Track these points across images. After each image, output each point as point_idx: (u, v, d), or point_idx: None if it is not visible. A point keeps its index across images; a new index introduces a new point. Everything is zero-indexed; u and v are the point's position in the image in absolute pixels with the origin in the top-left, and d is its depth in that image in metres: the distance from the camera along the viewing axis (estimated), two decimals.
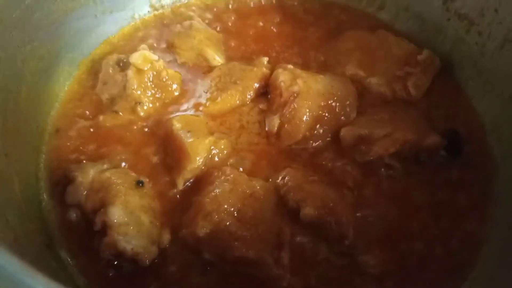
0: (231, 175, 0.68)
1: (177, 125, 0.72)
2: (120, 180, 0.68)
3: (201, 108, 0.78)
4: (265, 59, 0.81)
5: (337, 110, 0.75)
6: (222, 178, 0.67)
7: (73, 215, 0.67)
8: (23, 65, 0.70)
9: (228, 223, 0.63)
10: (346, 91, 0.77)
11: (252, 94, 0.79)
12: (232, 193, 0.66)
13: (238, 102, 0.78)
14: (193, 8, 0.93)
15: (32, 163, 0.72)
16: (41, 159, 0.73)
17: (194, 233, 0.63)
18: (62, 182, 0.70)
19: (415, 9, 0.90)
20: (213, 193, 0.66)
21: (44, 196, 0.70)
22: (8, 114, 0.66)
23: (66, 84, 0.81)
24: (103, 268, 0.64)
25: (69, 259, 0.65)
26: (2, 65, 0.66)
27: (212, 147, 0.71)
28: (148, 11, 0.92)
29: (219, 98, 0.78)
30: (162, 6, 0.93)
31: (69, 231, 0.67)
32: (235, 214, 0.64)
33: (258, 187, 0.67)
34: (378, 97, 0.79)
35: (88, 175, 0.69)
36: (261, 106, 0.79)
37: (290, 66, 0.78)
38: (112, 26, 0.87)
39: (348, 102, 0.76)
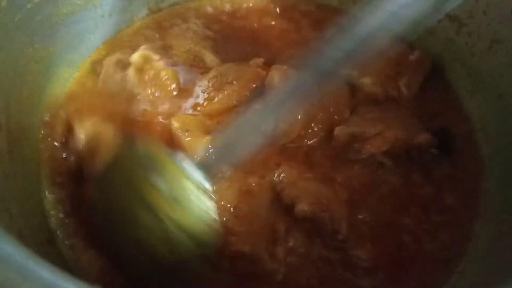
0: (228, 173, 0.69)
1: (175, 124, 0.74)
2: None
3: (199, 108, 0.80)
4: (260, 60, 0.83)
5: (330, 109, 0.77)
6: (219, 175, 0.69)
7: None
8: (24, 67, 0.72)
9: (224, 219, 0.65)
10: (339, 91, 0.79)
11: (248, 94, 0.81)
12: (229, 190, 0.68)
13: (234, 102, 0.80)
14: (191, 10, 0.94)
15: (34, 162, 0.73)
16: (43, 157, 0.74)
17: None
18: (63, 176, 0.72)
19: None
20: None
21: (46, 193, 0.72)
22: (10, 113, 0.67)
23: (66, 85, 0.83)
24: (104, 263, 0.65)
25: (70, 255, 0.67)
26: (5, 66, 0.67)
27: (209, 146, 0.72)
28: (146, 14, 0.94)
29: (216, 98, 0.80)
30: (160, 9, 0.94)
31: (70, 228, 0.69)
32: (232, 211, 0.66)
33: (253, 184, 0.69)
34: (370, 96, 0.81)
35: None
36: (257, 106, 0.80)
37: (285, 67, 0.80)
38: (111, 29, 0.89)
39: (341, 102, 0.79)
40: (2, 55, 0.67)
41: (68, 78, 0.83)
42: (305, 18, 0.95)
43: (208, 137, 0.72)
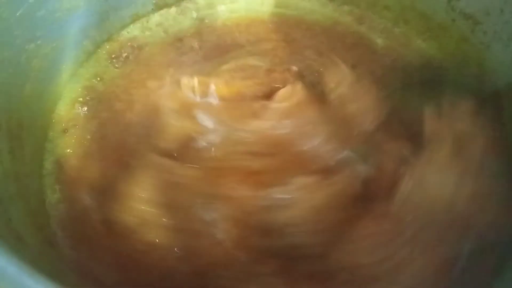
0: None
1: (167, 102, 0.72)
2: None
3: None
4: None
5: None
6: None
7: None
8: (27, 63, 0.71)
9: None
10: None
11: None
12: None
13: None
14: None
15: (37, 160, 0.72)
16: (45, 156, 0.74)
17: None
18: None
19: (419, 8, 0.89)
20: None
21: (48, 193, 0.71)
22: (12, 112, 0.66)
23: (70, 82, 0.81)
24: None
25: (72, 257, 0.66)
26: (6, 63, 0.66)
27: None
28: (152, 9, 0.92)
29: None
30: (166, 4, 0.93)
31: (73, 228, 0.68)
32: None
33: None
34: None
35: None
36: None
37: (295, 68, 0.77)
38: (115, 24, 0.88)
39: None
40: (3, 51, 0.65)
41: (72, 75, 0.82)
42: None
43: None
